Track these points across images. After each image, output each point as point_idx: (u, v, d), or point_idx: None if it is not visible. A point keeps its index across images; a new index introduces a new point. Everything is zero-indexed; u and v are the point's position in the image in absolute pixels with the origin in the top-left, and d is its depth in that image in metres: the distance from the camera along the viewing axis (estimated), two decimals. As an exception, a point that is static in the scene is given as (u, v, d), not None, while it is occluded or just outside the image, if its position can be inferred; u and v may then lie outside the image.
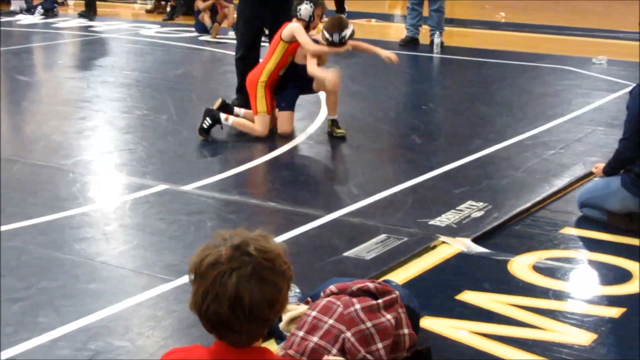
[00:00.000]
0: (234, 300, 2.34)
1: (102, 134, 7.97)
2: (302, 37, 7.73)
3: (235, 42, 9.05)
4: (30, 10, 16.69)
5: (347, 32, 7.80)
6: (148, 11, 17.54)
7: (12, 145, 7.79)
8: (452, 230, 5.53)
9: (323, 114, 8.60)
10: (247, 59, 8.55)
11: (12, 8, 17.00)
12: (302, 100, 9.25)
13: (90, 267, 4.97)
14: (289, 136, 7.82)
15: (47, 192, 6.31)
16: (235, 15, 14.11)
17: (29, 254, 5.12)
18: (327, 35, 7.76)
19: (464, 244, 5.32)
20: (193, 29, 14.48)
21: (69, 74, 11.43)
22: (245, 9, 8.69)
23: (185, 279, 4.71)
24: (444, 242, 5.36)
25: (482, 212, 5.86)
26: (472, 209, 5.93)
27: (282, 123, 7.84)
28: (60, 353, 3.97)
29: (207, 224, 5.68)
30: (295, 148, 7.51)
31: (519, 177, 6.73)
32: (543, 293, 4.68)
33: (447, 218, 5.75)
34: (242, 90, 8.42)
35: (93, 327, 4.22)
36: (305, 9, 7.84)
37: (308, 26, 7.93)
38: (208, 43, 13.08)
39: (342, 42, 7.82)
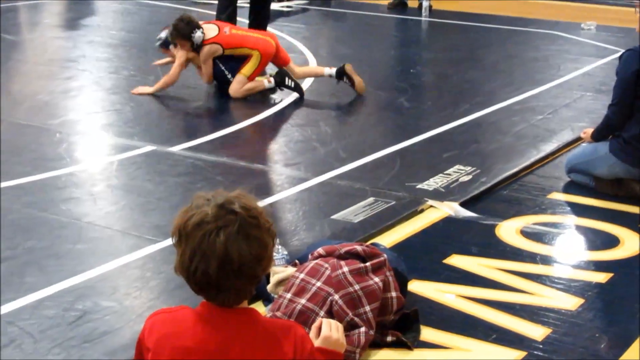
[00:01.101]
0: (223, 259, 2.33)
1: (88, 94, 7.92)
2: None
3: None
4: (15, -32, 16.51)
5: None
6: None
7: (-3, 104, 7.73)
8: (440, 194, 5.52)
9: (311, 77, 8.56)
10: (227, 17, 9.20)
11: (-3, -34, 16.82)
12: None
13: (76, 227, 4.95)
14: (278, 99, 7.78)
15: (33, 152, 6.27)
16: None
17: (15, 214, 5.09)
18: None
19: (451, 208, 5.32)
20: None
21: (54, 34, 11.33)
22: None
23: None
24: (431, 206, 5.36)
25: (470, 177, 5.85)
26: (459, 173, 5.92)
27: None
28: (47, 313, 3.95)
29: (195, 185, 5.66)
30: (282, 110, 7.48)
31: (507, 141, 6.72)
32: (530, 258, 4.69)
33: (435, 182, 5.75)
34: None
35: (80, 288, 4.21)
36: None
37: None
38: (194, 4, 12.97)
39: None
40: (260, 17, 9.59)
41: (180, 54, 7.84)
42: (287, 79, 7.88)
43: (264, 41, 7.95)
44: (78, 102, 7.70)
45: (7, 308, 3.99)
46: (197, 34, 7.73)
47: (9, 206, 5.19)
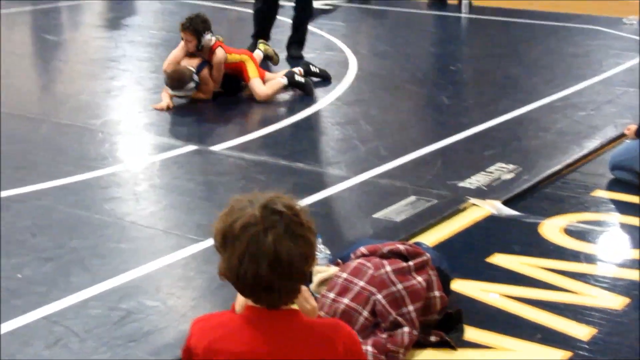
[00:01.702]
0: (273, 259, 2.31)
1: (130, 94, 7.97)
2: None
3: None
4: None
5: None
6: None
7: (40, 104, 7.82)
8: (482, 193, 5.50)
9: (351, 75, 8.56)
10: (263, 12, 9.55)
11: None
12: (331, 60, 9.23)
13: (120, 227, 4.98)
14: (318, 97, 7.79)
15: (76, 152, 6.32)
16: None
17: (60, 213, 5.14)
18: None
19: (494, 207, 5.29)
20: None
21: (96, 34, 11.42)
22: None
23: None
24: (473, 205, 5.34)
25: (512, 174, 5.82)
26: (502, 171, 5.89)
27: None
28: (92, 312, 3.99)
29: (237, 185, 5.69)
30: (323, 109, 7.48)
31: (549, 138, 6.68)
32: (574, 256, 4.65)
33: (477, 180, 5.72)
34: (257, 35, 9.42)
35: (124, 287, 4.24)
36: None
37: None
38: (235, 2, 13.01)
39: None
40: (304, 13, 9.60)
41: (181, 48, 7.83)
42: (311, 66, 8.28)
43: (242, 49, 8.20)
44: (120, 102, 7.75)
45: (53, 307, 4.03)
46: (207, 37, 7.69)
47: (53, 206, 5.24)
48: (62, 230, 4.92)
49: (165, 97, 7.50)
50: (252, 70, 7.87)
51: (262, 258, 2.32)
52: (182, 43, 7.81)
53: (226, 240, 2.37)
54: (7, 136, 6.67)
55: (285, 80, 7.90)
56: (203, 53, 7.74)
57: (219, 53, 7.74)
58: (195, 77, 7.53)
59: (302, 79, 7.96)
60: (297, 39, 9.61)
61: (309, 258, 2.39)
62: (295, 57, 9.27)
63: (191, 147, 6.37)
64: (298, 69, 8.14)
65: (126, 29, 11.50)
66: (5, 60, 9.44)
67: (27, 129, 6.86)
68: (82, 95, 7.87)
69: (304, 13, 9.66)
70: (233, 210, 2.39)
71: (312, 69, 8.29)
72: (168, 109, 7.40)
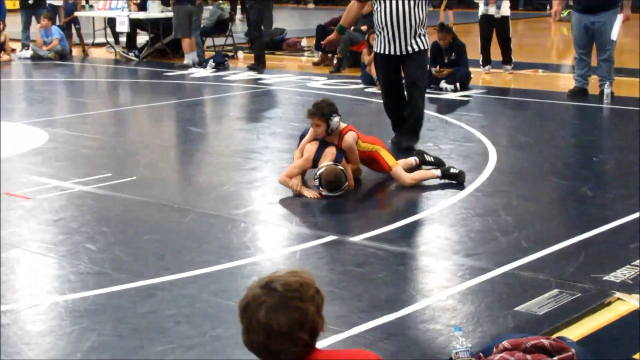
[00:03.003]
0: (265, 328, 2.80)
1: (271, 184, 8.10)
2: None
3: None
4: (202, 63, 17.21)
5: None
6: (315, 64, 17.82)
7: (185, 194, 8.02)
8: (628, 287, 5.36)
9: (491, 165, 8.53)
10: (388, 106, 9.93)
11: (185, 62, 17.57)
12: (470, 151, 9.23)
13: (261, 316, 5.02)
14: (456, 187, 7.77)
15: (219, 241, 6.45)
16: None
17: (202, 302, 5.24)
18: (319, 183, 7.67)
19: (640, 301, 5.15)
20: (359, 80, 14.64)
21: (239, 125, 11.71)
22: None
23: (356, 329, 4.74)
24: (619, 299, 5.20)
25: (659, 268, 5.67)
26: (648, 264, 5.74)
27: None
28: (233, 401, 4.03)
29: (377, 275, 5.69)
30: (463, 200, 7.45)
31: (698, 232, 6.48)
32: None
33: (622, 274, 5.59)
34: (395, 128, 9.89)
35: (265, 377, 4.26)
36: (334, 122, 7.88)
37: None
38: (374, 94, 13.16)
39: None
40: (414, 102, 9.65)
41: (310, 134, 8.00)
42: (426, 155, 8.48)
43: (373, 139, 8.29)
44: (262, 193, 7.90)
45: (195, 395, 4.09)
46: (335, 119, 7.82)
47: (197, 294, 5.35)
48: (205, 318, 5.01)
49: (306, 191, 7.65)
50: (389, 159, 7.98)
51: (259, 329, 2.82)
52: (311, 130, 7.97)
53: (240, 317, 2.89)
54: (152, 226, 6.87)
55: (438, 172, 7.99)
56: (333, 137, 7.88)
57: (349, 136, 7.90)
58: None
59: (456, 170, 8.02)
60: (409, 129, 9.62)
61: (304, 324, 2.83)
62: (406, 149, 9.27)
63: (331, 237, 6.42)
64: (414, 159, 8.36)
65: (268, 121, 11.76)
66: (153, 151, 9.77)
67: (173, 218, 7.05)
68: (225, 185, 8.05)
69: (414, 101, 9.65)
70: (247, 289, 2.92)
71: (427, 158, 8.38)
72: (300, 194, 7.61)
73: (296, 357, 2.85)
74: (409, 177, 7.88)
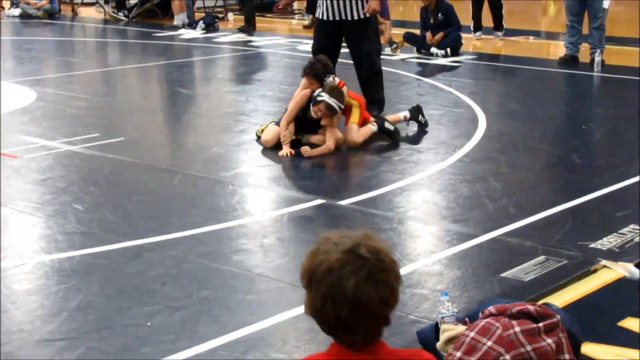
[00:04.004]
0: (353, 303, 2.43)
1: (260, 147, 8.08)
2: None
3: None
4: (192, 25, 17.12)
5: (323, 95, 7.79)
6: (306, 27, 17.73)
7: (173, 156, 8.01)
8: (614, 255, 5.38)
9: (480, 132, 8.52)
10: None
11: (174, 23, 17.48)
12: (459, 117, 9.23)
13: (248, 278, 5.04)
14: (445, 153, 7.77)
15: (207, 203, 6.44)
16: (391, 31, 14.20)
17: (190, 264, 5.24)
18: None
19: (626, 269, 5.17)
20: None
21: (228, 88, 11.67)
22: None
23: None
24: (605, 266, 5.22)
25: (645, 237, 5.68)
26: (635, 232, 5.75)
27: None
28: (219, 362, 4.04)
29: (364, 240, 5.69)
30: (451, 166, 7.45)
31: (685, 201, 6.49)
32: None
33: (609, 241, 5.60)
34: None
35: (250, 339, 4.28)
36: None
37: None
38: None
39: (315, 101, 7.86)
40: (364, 70, 9.36)
41: (304, 85, 8.08)
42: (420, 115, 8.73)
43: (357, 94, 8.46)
44: (250, 155, 7.87)
45: (181, 356, 4.10)
46: (329, 79, 7.88)
47: (184, 256, 5.35)
48: (192, 280, 5.00)
49: (286, 147, 7.74)
50: (355, 116, 8.09)
51: (343, 302, 2.43)
52: (305, 82, 8.06)
53: (311, 281, 2.50)
54: (140, 187, 6.85)
55: (375, 128, 8.21)
56: None
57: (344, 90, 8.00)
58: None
59: (391, 127, 8.28)
60: (369, 99, 9.09)
61: (390, 301, 2.50)
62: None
63: (319, 201, 6.42)
64: (403, 115, 8.71)
65: (257, 84, 11.72)
66: (140, 113, 9.73)
67: (161, 179, 7.03)
68: (214, 148, 8.02)
69: (364, 69, 9.33)
70: (318, 251, 2.51)
71: (387, 125, 8.35)
72: (290, 155, 7.69)
73: (371, 337, 2.52)
74: (355, 138, 8.03)
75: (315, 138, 7.98)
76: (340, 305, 2.43)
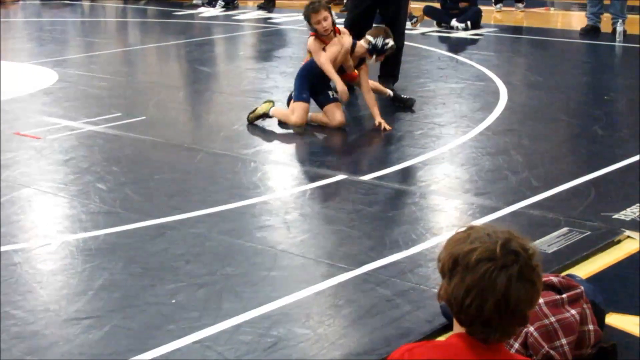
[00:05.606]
0: (501, 299, 2.36)
1: (281, 124, 8.07)
2: (315, 55, 8.09)
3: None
4: (211, 2, 17.11)
5: (389, 41, 7.93)
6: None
7: (194, 134, 8.02)
8: (637, 225, 5.35)
9: (501, 105, 8.49)
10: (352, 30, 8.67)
11: (194, 1, 17.47)
12: (480, 90, 9.19)
13: (271, 254, 5.05)
14: (466, 127, 7.74)
15: (229, 181, 6.45)
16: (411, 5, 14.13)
17: (212, 241, 5.25)
18: (370, 39, 7.93)
19: (650, 239, 5.15)
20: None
21: (248, 65, 11.67)
22: None
23: (366, 267, 4.75)
24: (629, 237, 5.20)
25: (669, 207, 5.66)
26: (658, 202, 5.73)
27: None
28: (243, 339, 4.05)
29: (387, 214, 5.70)
30: (473, 139, 7.42)
31: None
32: None
33: (632, 212, 5.58)
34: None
35: (274, 314, 4.29)
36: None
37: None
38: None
39: (383, 50, 7.94)
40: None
41: (317, 49, 8.11)
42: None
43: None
44: (271, 133, 7.87)
45: (205, 333, 4.11)
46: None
47: (206, 233, 5.36)
48: (215, 257, 5.02)
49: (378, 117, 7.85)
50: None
51: (491, 295, 2.36)
52: (316, 47, 8.06)
53: (456, 266, 2.42)
54: (162, 165, 6.88)
55: (391, 93, 8.53)
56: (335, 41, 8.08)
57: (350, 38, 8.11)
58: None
59: (406, 97, 8.53)
60: (388, 73, 9.23)
61: (533, 302, 2.42)
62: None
63: (341, 177, 6.42)
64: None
65: (277, 61, 11.71)
66: (162, 90, 9.75)
67: (182, 158, 7.05)
68: (235, 125, 8.03)
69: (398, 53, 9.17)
70: (470, 238, 2.43)
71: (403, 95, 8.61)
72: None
73: (507, 335, 2.45)
74: (370, 85, 8.16)
75: (317, 117, 8.00)
76: (486, 299, 2.35)
